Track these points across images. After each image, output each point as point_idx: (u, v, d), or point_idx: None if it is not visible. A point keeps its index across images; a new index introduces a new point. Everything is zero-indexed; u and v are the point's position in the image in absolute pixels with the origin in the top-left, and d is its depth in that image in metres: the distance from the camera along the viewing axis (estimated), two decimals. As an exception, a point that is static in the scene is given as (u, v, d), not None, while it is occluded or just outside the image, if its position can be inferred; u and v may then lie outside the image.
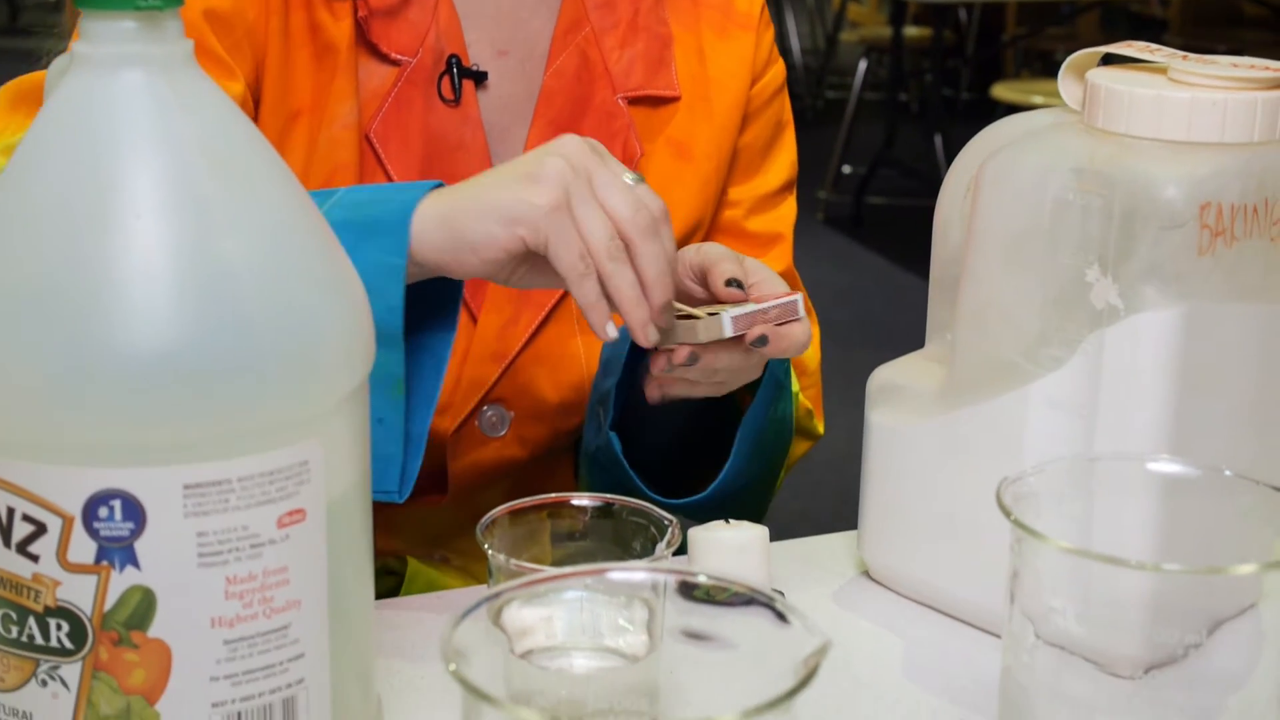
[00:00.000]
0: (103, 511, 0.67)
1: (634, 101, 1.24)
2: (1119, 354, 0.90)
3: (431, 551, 1.27)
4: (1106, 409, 0.91)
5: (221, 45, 1.12)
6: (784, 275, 1.31)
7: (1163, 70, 0.95)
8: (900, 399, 1.04)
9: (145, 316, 0.66)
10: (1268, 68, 0.93)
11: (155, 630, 0.69)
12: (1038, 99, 5.00)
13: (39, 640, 0.69)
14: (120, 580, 0.68)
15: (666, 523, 0.90)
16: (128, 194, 0.67)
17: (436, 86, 1.19)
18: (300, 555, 0.71)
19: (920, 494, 1.02)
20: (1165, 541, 0.83)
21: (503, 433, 1.23)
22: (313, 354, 0.71)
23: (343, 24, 1.16)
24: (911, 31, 6.85)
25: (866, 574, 1.09)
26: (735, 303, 1.02)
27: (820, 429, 1.33)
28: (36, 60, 1.23)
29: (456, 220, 0.96)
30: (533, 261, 0.97)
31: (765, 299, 1.02)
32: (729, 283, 1.02)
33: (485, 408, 1.22)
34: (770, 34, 1.32)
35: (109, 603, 0.68)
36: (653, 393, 1.09)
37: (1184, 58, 0.95)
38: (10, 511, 0.68)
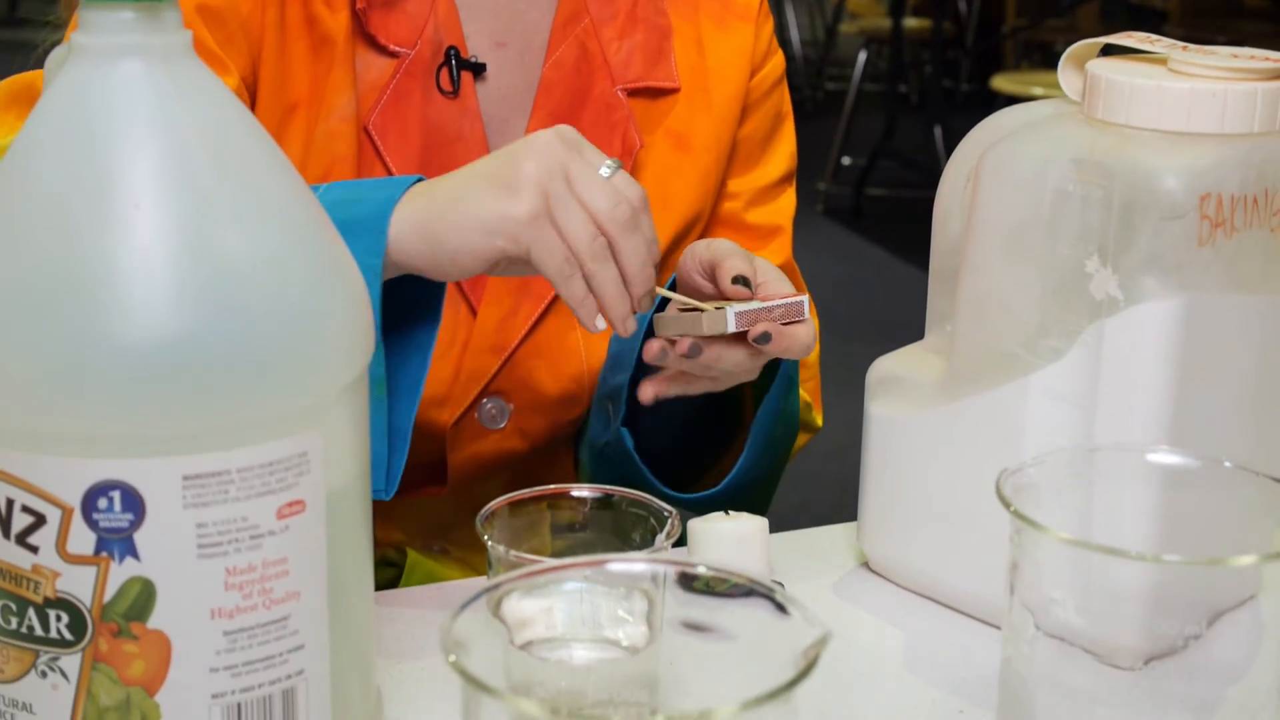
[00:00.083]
0: (102, 502, 0.67)
1: (633, 93, 1.24)
2: (1119, 345, 0.90)
3: (431, 543, 1.27)
4: (1106, 400, 0.91)
5: (214, 40, 1.12)
6: (783, 267, 1.31)
7: (1163, 61, 0.95)
8: (900, 390, 1.04)
9: (144, 307, 0.66)
10: (1268, 58, 0.93)
11: (155, 621, 0.69)
12: (1038, 90, 4.99)
13: (39, 631, 0.69)
14: (120, 571, 0.68)
15: (666, 514, 0.90)
16: (127, 184, 0.67)
17: (435, 78, 1.19)
18: (300, 546, 0.71)
19: (920, 485, 1.02)
20: (1165, 533, 0.83)
21: (502, 425, 1.23)
22: (312, 345, 0.71)
23: (339, 16, 1.16)
24: (911, 23, 6.84)
25: (866, 565, 1.09)
26: (741, 300, 1.02)
27: (819, 421, 1.33)
28: (33, 50, 1.23)
29: (434, 231, 0.95)
30: (514, 257, 0.97)
31: (771, 298, 1.02)
32: (736, 280, 1.02)
33: (485, 400, 1.22)
34: (769, 25, 1.32)
35: (108, 594, 0.68)
36: (645, 394, 1.08)
37: (1184, 48, 0.95)
38: (10, 503, 0.68)
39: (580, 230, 0.94)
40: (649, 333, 1.07)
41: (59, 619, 0.69)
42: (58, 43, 1.20)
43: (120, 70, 0.68)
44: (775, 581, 0.64)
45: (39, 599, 0.69)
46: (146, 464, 0.67)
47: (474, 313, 1.20)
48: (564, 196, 0.94)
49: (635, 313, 0.97)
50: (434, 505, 1.25)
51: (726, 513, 1.01)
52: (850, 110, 5.99)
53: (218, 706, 0.70)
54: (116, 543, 0.68)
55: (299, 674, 0.72)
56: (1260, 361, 0.95)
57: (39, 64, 1.20)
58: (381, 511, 0.98)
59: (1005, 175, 0.95)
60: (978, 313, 0.97)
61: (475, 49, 1.21)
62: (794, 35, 8.21)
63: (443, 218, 0.95)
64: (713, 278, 1.05)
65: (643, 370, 1.11)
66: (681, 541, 0.99)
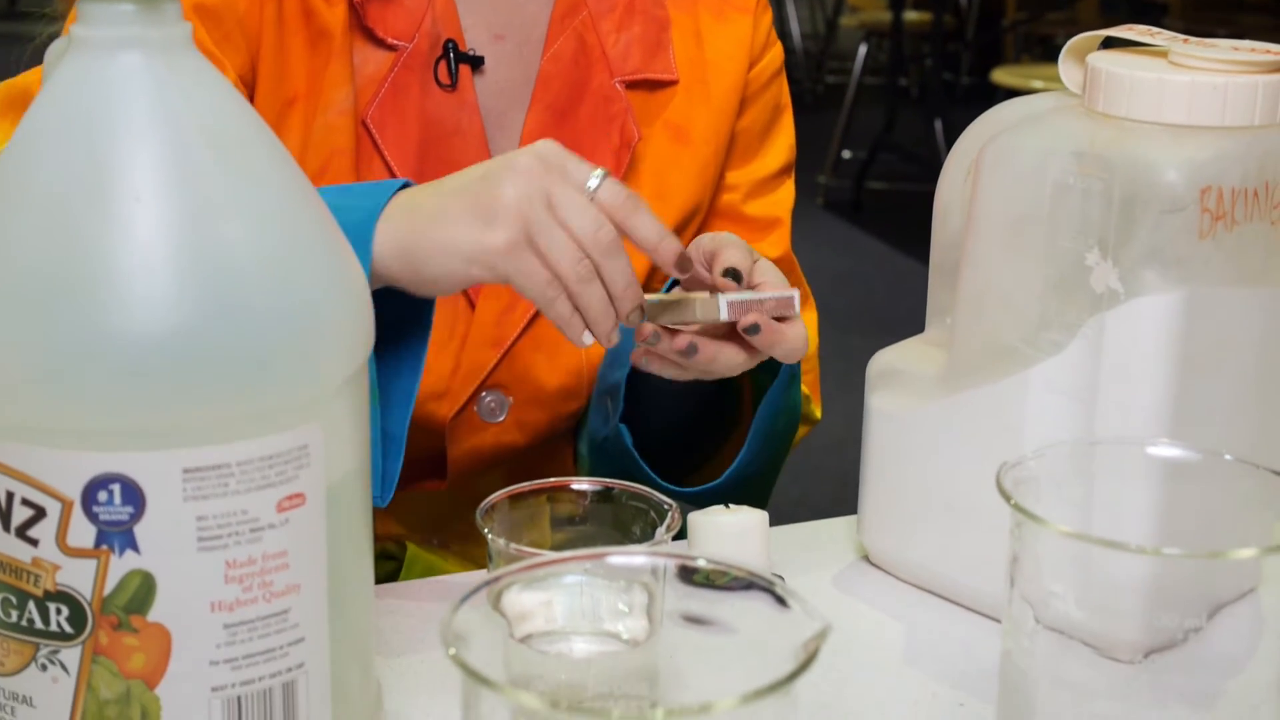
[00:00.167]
0: (102, 495, 0.67)
1: (631, 85, 1.24)
2: (1119, 338, 0.90)
3: (430, 537, 1.27)
4: (1107, 393, 0.91)
5: (211, 39, 1.12)
6: (782, 259, 1.31)
7: (1163, 54, 0.95)
8: (900, 384, 1.04)
9: (144, 300, 0.66)
10: (1268, 51, 0.93)
11: (155, 614, 0.69)
12: (1038, 84, 4.99)
13: (39, 624, 0.69)
14: (120, 564, 0.68)
15: (666, 507, 0.90)
16: (126, 177, 0.67)
17: (433, 71, 1.18)
18: (300, 539, 0.71)
19: (920, 479, 1.02)
20: (1165, 526, 0.83)
21: (501, 418, 1.23)
22: (312, 338, 0.71)
23: (336, 9, 1.16)
24: (911, 16, 6.84)
25: (866, 558, 1.09)
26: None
27: (818, 414, 1.33)
28: (30, 42, 1.23)
29: (414, 255, 0.94)
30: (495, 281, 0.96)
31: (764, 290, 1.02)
32: (727, 272, 1.02)
33: (484, 393, 1.22)
34: (768, 17, 1.32)
35: (108, 587, 0.68)
36: (637, 358, 1.07)
37: (1184, 41, 0.94)
38: (10, 496, 0.68)
39: (564, 254, 0.93)
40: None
41: (59, 612, 0.69)
42: (55, 35, 1.20)
43: (120, 63, 0.68)
44: (775, 575, 0.64)
45: (39, 592, 0.69)
46: (146, 457, 0.67)
47: (472, 306, 1.20)
48: (545, 222, 0.93)
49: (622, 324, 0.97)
50: (433, 499, 1.25)
51: (727, 506, 1.00)
52: (850, 103, 5.99)
53: (218, 699, 0.70)
54: (116, 535, 0.68)
55: (299, 667, 0.72)
56: (1261, 355, 0.95)
57: (36, 57, 1.20)
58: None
59: (1005, 168, 0.95)
60: (978, 306, 0.97)
61: (473, 42, 1.21)
62: (794, 28, 8.21)
63: (421, 243, 0.94)
64: (711, 268, 1.05)
65: (631, 377, 1.11)
66: (681, 535, 0.99)
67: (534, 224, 0.92)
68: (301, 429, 0.70)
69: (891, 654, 0.97)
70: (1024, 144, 0.94)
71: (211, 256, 0.68)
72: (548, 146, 0.96)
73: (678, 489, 1.12)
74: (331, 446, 0.72)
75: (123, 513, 0.67)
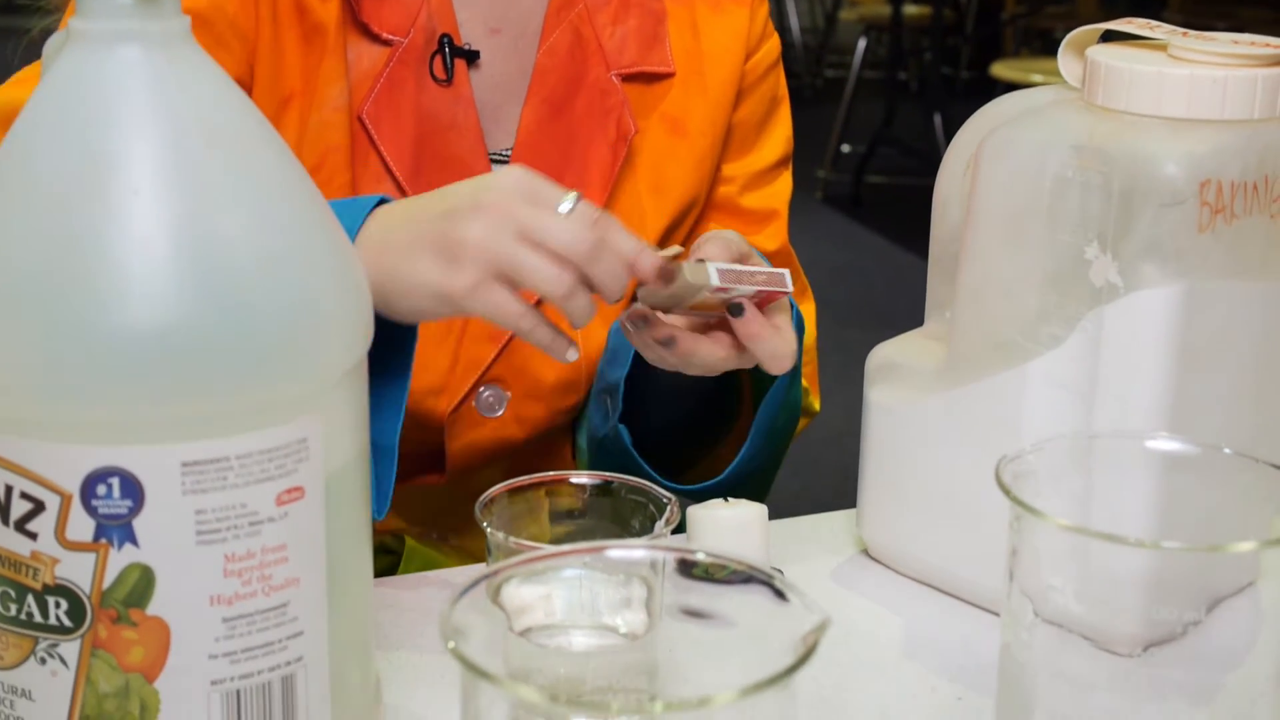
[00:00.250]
0: (101, 489, 0.67)
1: (628, 78, 1.24)
2: (1118, 332, 0.90)
3: (429, 531, 1.27)
4: (1105, 387, 0.91)
5: (203, 44, 1.11)
6: (779, 252, 1.31)
7: (1163, 47, 0.95)
8: (899, 377, 1.04)
9: (143, 293, 0.66)
10: (1268, 44, 0.93)
11: (154, 608, 0.69)
12: (1037, 77, 4.99)
13: (38, 618, 0.69)
14: (119, 558, 0.68)
15: (665, 501, 0.90)
16: (125, 170, 0.67)
17: (428, 66, 1.18)
18: (299, 533, 0.71)
19: (919, 472, 1.02)
20: (1164, 519, 0.83)
21: (500, 413, 1.23)
22: (311, 331, 0.71)
23: (330, 4, 1.15)
24: (911, 10, 6.83)
25: (865, 552, 1.09)
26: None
27: (817, 406, 1.33)
28: (25, 35, 1.22)
29: (384, 292, 0.94)
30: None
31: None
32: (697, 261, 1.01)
33: (482, 388, 1.22)
34: (765, 8, 1.32)
35: (107, 580, 0.68)
36: (623, 328, 1.06)
37: (1184, 34, 0.94)
38: (8, 489, 0.68)
39: (542, 275, 0.91)
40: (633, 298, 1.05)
41: (58, 606, 0.69)
42: (49, 29, 1.20)
43: (118, 56, 0.68)
44: (774, 568, 0.64)
45: (38, 585, 0.69)
46: (145, 450, 0.67)
47: (471, 301, 1.20)
48: (515, 253, 0.91)
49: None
50: (432, 493, 1.25)
51: (726, 500, 1.00)
52: (850, 97, 5.99)
53: (217, 693, 0.70)
54: (115, 529, 0.68)
55: (298, 660, 0.72)
56: (1260, 348, 0.95)
57: (32, 51, 1.20)
58: (380, 499, 0.98)
59: (1005, 162, 0.94)
60: (977, 300, 0.97)
61: (468, 36, 1.21)
62: (794, 22, 8.21)
63: (388, 284, 0.94)
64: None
65: (639, 365, 1.10)
66: (680, 528, 0.99)
67: (502, 259, 0.91)
68: (301, 422, 0.70)
69: (890, 647, 0.97)
70: (1023, 138, 0.94)
71: (210, 250, 0.68)
72: (516, 176, 0.94)
73: (678, 487, 1.12)
74: (331, 439, 0.72)
75: (122, 506, 0.67)
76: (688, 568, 0.69)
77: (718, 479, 1.12)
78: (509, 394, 1.23)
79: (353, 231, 0.95)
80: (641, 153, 1.24)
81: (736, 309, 0.98)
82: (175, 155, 0.68)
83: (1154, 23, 0.97)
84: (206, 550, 0.69)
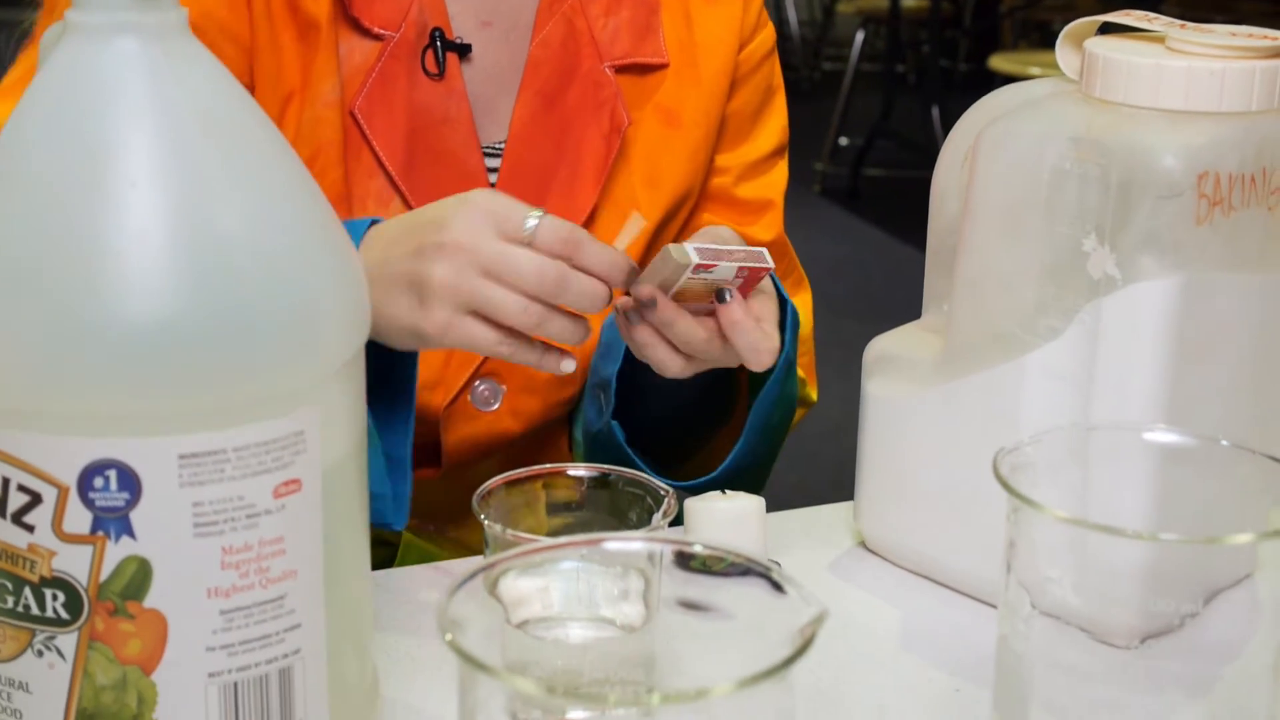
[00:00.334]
0: (98, 481, 0.67)
1: (621, 69, 1.23)
2: (1116, 324, 0.90)
3: (425, 524, 1.27)
4: (1103, 379, 0.91)
5: None
6: (774, 242, 1.31)
7: (1160, 39, 0.95)
8: (897, 370, 1.04)
9: (140, 286, 0.66)
10: (1266, 36, 0.92)
11: (151, 600, 0.69)
12: (1035, 70, 4.98)
13: (35, 610, 0.69)
14: (116, 550, 0.68)
15: (663, 493, 0.90)
16: (122, 162, 0.67)
17: (420, 60, 1.18)
18: (296, 525, 0.71)
19: (917, 464, 1.02)
20: (1162, 511, 0.83)
21: (495, 406, 1.23)
22: (309, 323, 0.71)
23: (321, 0, 1.15)
24: (909, 2, 6.82)
25: (863, 544, 1.09)
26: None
27: (814, 396, 1.33)
28: (16, 27, 1.22)
29: (375, 329, 0.96)
30: None
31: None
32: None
33: (478, 382, 1.22)
34: None
35: (105, 573, 0.68)
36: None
37: (1182, 26, 0.94)
38: (5, 482, 0.68)
39: (509, 310, 0.95)
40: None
41: (55, 598, 0.69)
42: (34, 23, 1.20)
43: (115, 48, 0.68)
44: (772, 560, 0.64)
45: (35, 578, 0.69)
46: (142, 443, 0.67)
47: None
48: (481, 289, 0.94)
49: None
50: (429, 487, 1.25)
51: (723, 492, 1.00)
52: (848, 90, 5.98)
53: (214, 685, 0.70)
54: (113, 522, 0.67)
55: (295, 653, 0.72)
56: (1258, 340, 0.95)
57: (20, 43, 1.20)
58: (378, 491, 0.98)
59: (1002, 154, 0.94)
60: (975, 292, 0.97)
61: (460, 29, 1.21)
62: (791, 15, 8.20)
63: (374, 317, 0.94)
64: None
65: (633, 361, 1.10)
66: (678, 521, 0.99)
67: (469, 296, 0.94)
68: (298, 414, 0.70)
69: (888, 639, 0.98)
70: (1021, 130, 0.94)
71: (207, 242, 0.68)
72: (480, 203, 0.96)
73: (673, 482, 1.11)
74: (328, 432, 0.72)
75: (119, 499, 0.67)
76: (685, 560, 0.69)
77: (712, 475, 1.12)
78: (504, 388, 1.23)
79: None
80: (635, 144, 1.24)
81: (722, 295, 0.99)
82: (172, 147, 0.68)
83: (1152, 15, 0.97)
84: (204, 542, 0.69)
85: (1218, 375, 0.93)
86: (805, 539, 1.10)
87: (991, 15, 7.54)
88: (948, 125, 1.22)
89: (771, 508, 1.04)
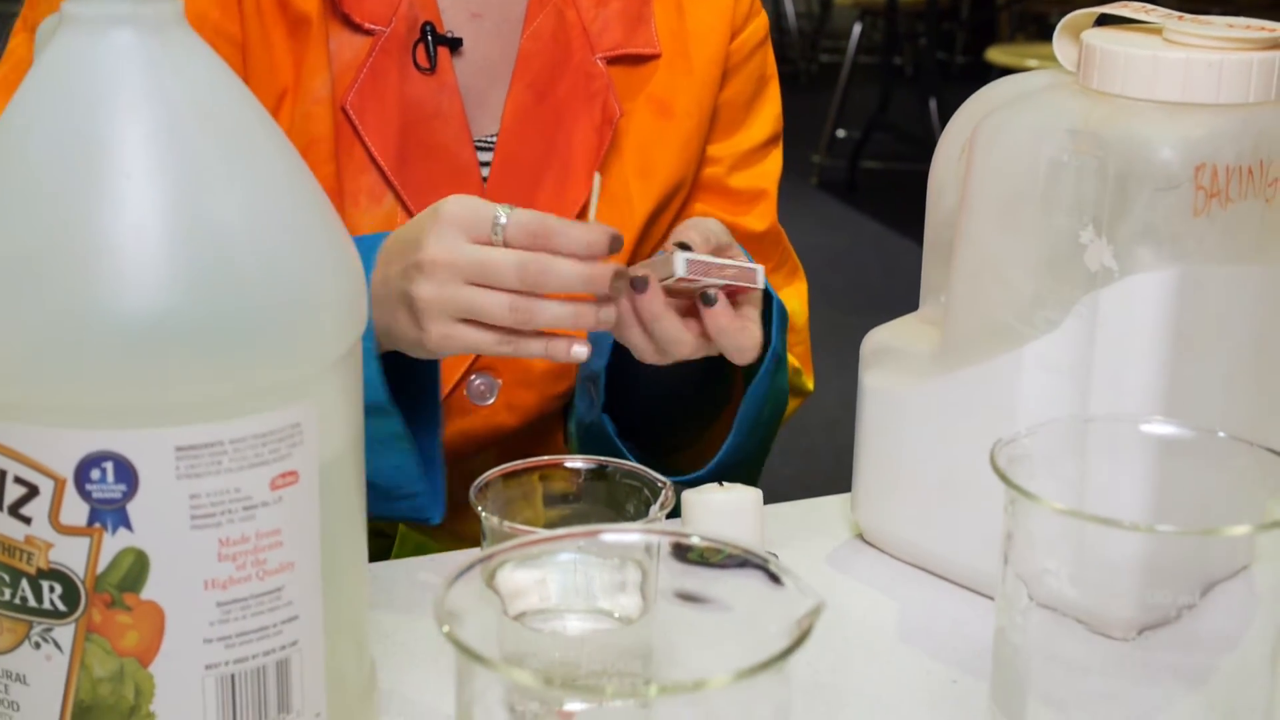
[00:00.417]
0: (95, 473, 0.67)
1: (613, 60, 1.23)
2: (1113, 316, 0.90)
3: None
4: (1101, 371, 0.91)
5: None
6: (768, 232, 1.30)
7: (1158, 31, 0.95)
8: (894, 362, 1.04)
9: (137, 278, 0.66)
10: (1263, 28, 0.92)
11: (148, 592, 0.69)
12: (1032, 63, 4.98)
13: (32, 602, 0.69)
14: (113, 542, 0.68)
15: (660, 485, 0.90)
16: (118, 154, 0.67)
17: (411, 55, 1.18)
18: (293, 517, 0.71)
19: (914, 456, 1.02)
20: (1159, 503, 0.83)
21: (491, 400, 1.23)
22: (306, 316, 0.71)
23: None
24: (906, -6, 6.83)
25: (860, 536, 1.09)
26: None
27: (810, 385, 1.33)
28: (12, 19, 1.22)
29: (386, 342, 1.01)
30: None
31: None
32: (679, 245, 1.01)
33: (473, 376, 1.22)
34: None
35: (102, 565, 0.68)
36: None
37: (1179, 18, 0.94)
38: (2, 474, 0.68)
39: (495, 311, 0.96)
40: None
41: (52, 590, 0.69)
42: (15, 15, 1.20)
43: (111, 40, 0.68)
44: (769, 552, 0.64)
45: (32, 570, 0.69)
46: (139, 435, 0.67)
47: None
48: (467, 297, 0.96)
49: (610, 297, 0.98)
50: (425, 478, 1.25)
51: (721, 484, 1.00)
52: (845, 83, 5.98)
53: (211, 677, 0.70)
54: (109, 514, 0.67)
55: (293, 645, 0.72)
56: (1255, 332, 0.95)
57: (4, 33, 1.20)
58: (373, 484, 0.98)
59: (1000, 146, 0.94)
60: (972, 284, 0.97)
61: (451, 22, 1.20)
62: (789, 7, 8.19)
63: (385, 338, 1.01)
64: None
65: (621, 354, 1.10)
66: (676, 513, 0.99)
67: (456, 305, 0.97)
68: (295, 406, 0.70)
69: (885, 631, 0.98)
70: (1018, 122, 0.94)
71: (203, 234, 0.68)
72: (448, 212, 0.98)
73: (665, 477, 1.11)
74: (325, 424, 0.72)
75: (115, 491, 0.67)
76: (682, 552, 0.69)
77: (702, 471, 1.12)
78: (499, 382, 1.22)
79: (366, 275, 0.99)
80: (627, 136, 1.24)
81: (708, 298, 1.00)
82: (168, 139, 0.68)
83: (1149, 6, 0.97)
84: (201, 534, 0.69)
85: (1215, 367, 0.93)
86: (803, 531, 1.10)
87: (988, 8, 7.54)
88: (945, 117, 1.22)
89: (769, 500, 1.04)
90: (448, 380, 1.20)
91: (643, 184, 1.24)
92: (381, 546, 1.23)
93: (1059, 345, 0.92)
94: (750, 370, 1.13)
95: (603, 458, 0.94)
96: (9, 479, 0.68)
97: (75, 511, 0.67)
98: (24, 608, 0.69)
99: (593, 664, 0.79)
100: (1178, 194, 0.87)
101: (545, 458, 0.94)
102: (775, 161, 1.33)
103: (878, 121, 5.85)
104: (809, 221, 5.04)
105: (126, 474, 0.67)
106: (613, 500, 0.92)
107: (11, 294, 0.67)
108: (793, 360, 1.28)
